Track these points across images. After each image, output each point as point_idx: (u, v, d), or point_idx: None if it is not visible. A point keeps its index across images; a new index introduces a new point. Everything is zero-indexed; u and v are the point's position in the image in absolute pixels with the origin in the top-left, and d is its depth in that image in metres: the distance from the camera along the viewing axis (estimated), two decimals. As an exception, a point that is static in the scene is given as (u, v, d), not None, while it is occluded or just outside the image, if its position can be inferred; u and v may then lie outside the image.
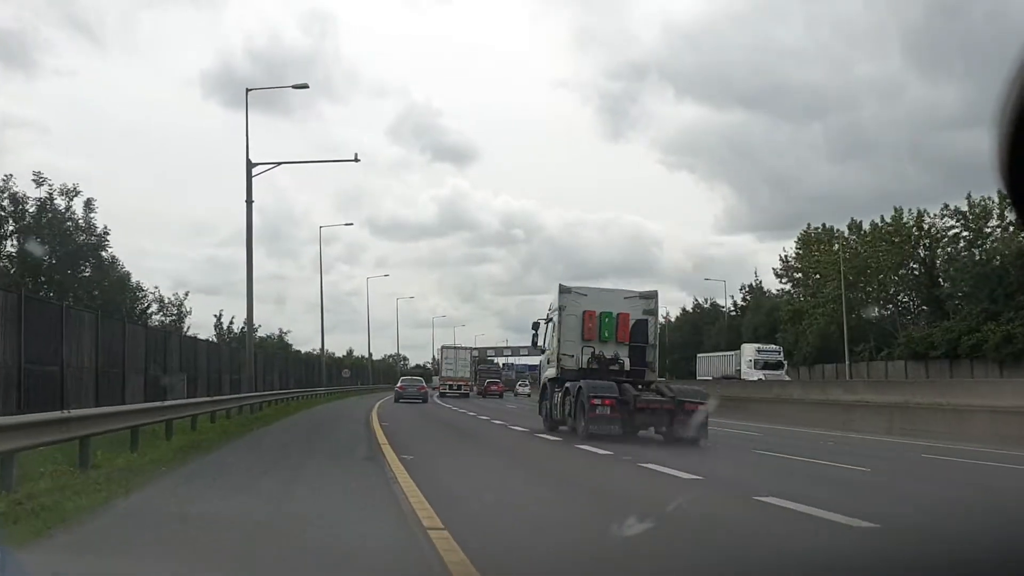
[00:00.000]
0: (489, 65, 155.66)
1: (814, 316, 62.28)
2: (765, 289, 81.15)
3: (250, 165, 27.72)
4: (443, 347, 66.55)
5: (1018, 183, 1.39)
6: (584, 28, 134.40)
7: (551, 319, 19.01)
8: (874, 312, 57.02)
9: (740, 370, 53.74)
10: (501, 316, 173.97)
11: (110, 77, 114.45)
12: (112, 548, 5.86)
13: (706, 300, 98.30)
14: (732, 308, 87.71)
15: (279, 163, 28.72)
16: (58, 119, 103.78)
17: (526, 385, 71.94)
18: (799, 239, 68.75)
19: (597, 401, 15.91)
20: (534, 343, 21.22)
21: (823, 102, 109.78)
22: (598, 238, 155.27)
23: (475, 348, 76.41)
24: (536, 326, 20.39)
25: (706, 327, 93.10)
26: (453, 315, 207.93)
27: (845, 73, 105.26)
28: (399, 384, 47.18)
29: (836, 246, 62.49)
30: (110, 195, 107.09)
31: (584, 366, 17.52)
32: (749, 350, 56.73)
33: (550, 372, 18.90)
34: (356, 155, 30.36)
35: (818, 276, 65.24)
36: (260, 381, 37.46)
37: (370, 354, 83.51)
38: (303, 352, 72.88)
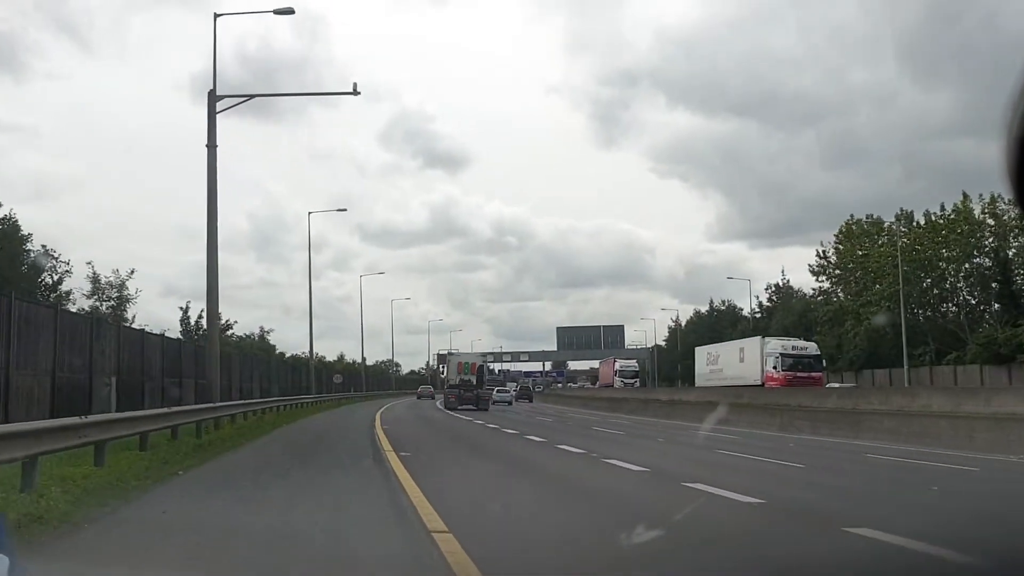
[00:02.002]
0: (482, 70, 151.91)
1: (863, 316, 55.51)
2: (796, 288, 74.70)
3: (213, 98, 20.76)
4: (439, 354, 74.37)
5: None
6: (577, 34, 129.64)
7: (446, 364, 53.99)
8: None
9: None
10: (493, 323, 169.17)
11: (101, 81, 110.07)
12: None
13: (723, 302, 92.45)
14: (758, 309, 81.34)
15: (250, 96, 21.83)
16: (50, 123, 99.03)
17: (506, 391, 61.45)
18: (840, 232, 62.06)
19: (450, 395, 45.29)
20: (440, 372, 63.44)
21: (816, 109, 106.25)
22: (590, 245, 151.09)
23: (476, 355, 70.51)
24: (444, 360, 61.13)
25: (725, 330, 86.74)
26: (445, 321, 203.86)
27: (839, 80, 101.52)
28: (419, 389, 75.96)
29: (885, 238, 55.97)
30: (103, 199, 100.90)
31: (457, 383, 44.34)
32: None
33: (446, 386, 49.27)
34: (355, 85, 23.37)
35: (860, 273, 58.65)
36: (235, 388, 30.72)
37: (363, 358, 76.53)
38: (289, 356, 65.28)
